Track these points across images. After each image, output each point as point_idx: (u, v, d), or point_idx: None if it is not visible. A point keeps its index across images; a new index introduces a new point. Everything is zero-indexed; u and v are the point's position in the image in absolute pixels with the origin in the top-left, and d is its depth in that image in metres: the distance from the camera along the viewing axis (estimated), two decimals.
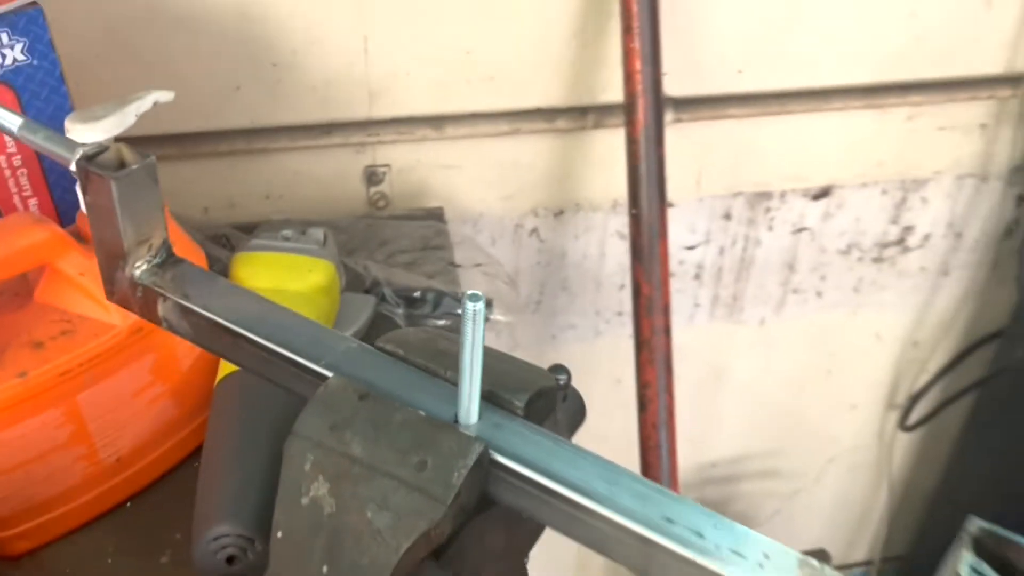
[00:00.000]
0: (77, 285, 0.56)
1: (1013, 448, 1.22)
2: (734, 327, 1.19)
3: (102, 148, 0.44)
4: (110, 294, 0.48)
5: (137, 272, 0.46)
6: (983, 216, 1.15)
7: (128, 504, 0.62)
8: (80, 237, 0.57)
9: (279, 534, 0.39)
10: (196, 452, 0.66)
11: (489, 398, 0.40)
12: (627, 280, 1.07)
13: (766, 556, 0.33)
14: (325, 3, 0.84)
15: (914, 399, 1.28)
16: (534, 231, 1.03)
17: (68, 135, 0.54)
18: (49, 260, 0.55)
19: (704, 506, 0.35)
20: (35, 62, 0.58)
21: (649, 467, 0.89)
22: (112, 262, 0.46)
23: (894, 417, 1.35)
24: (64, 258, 0.56)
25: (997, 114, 1.06)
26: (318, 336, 0.44)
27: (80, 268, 0.56)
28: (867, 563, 1.57)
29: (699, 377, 1.24)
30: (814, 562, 0.33)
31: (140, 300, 0.47)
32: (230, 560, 0.54)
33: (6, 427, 0.53)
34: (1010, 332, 1.19)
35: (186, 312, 0.45)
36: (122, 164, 0.44)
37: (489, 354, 0.38)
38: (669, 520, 0.35)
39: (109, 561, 0.59)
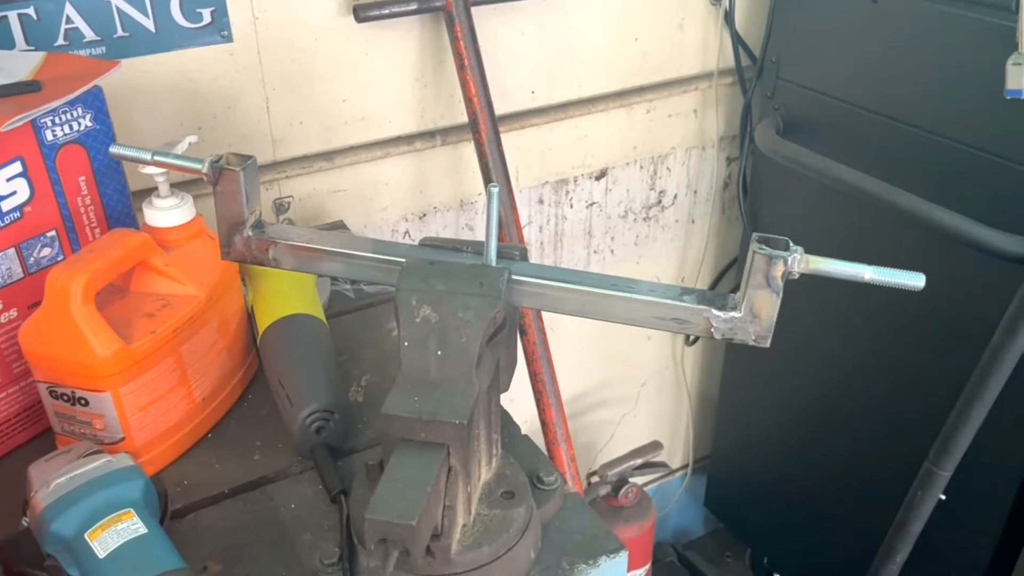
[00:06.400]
0: (164, 273, 0.80)
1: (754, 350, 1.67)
2: None
3: (220, 156, 0.70)
4: (226, 254, 0.73)
5: (251, 232, 0.72)
6: (708, 175, 1.61)
7: (208, 435, 0.85)
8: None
9: (406, 343, 0.66)
10: (242, 398, 0.89)
11: (498, 252, 0.71)
12: None
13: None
14: (233, 79, 1.10)
15: None
16: (406, 232, 1.33)
17: None
18: (144, 257, 0.79)
19: None
20: (98, 127, 0.81)
21: (535, 375, 1.22)
22: (232, 229, 0.72)
23: (680, 339, 1.78)
24: (153, 255, 0.79)
25: (703, 101, 1.52)
26: (378, 245, 0.72)
27: (164, 261, 0.80)
28: (684, 467, 1.98)
29: None
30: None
31: (254, 251, 0.72)
32: (318, 431, 0.79)
33: (145, 371, 0.76)
34: (741, 257, 1.65)
35: (293, 248, 0.72)
36: (228, 163, 0.71)
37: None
38: (613, 284, 0.68)
39: (216, 466, 0.81)
